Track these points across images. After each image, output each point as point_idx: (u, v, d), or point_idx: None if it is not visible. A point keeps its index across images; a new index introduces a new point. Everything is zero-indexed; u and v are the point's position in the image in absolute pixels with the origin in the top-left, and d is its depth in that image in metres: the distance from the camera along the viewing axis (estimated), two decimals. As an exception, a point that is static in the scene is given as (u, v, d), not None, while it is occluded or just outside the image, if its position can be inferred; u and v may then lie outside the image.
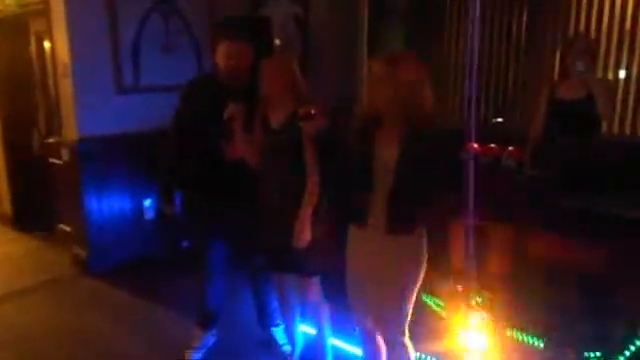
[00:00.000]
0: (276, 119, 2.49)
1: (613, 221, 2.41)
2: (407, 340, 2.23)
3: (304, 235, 2.42)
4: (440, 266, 2.58)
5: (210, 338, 3.04)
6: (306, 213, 2.41)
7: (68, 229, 4.50)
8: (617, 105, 3.47)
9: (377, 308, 2.21)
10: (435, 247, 2.22)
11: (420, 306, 2.64)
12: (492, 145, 3.01)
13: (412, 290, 2.17)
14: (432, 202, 2.14)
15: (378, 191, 2.10)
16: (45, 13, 4.03)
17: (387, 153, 2.07)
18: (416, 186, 2.05)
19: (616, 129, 3.53)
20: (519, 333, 2.66)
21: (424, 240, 2.16)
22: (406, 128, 2.05)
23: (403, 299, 2.16)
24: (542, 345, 2.60)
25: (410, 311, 2.19)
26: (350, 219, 2.26)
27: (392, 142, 2.07)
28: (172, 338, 3.16)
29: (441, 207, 2.28)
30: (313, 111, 2.27)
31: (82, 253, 4.22)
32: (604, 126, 3.18)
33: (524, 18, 3.88)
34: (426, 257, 2.17)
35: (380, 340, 2.31)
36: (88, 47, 3.95)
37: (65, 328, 3.39)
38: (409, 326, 2.22)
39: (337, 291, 2.72)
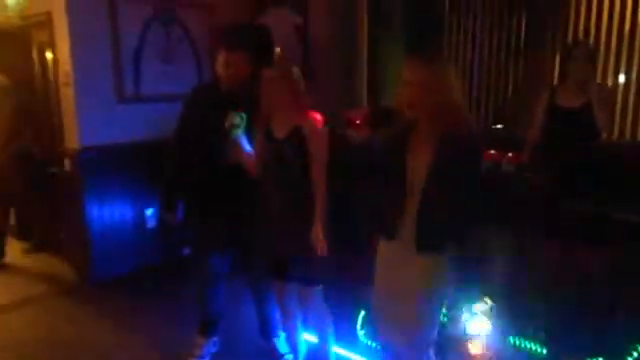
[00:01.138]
0: (279, 129, 2.50)
1: (614, 225, 2.40)
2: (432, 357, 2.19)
3: (322, 243, 2.42)
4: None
5: (212, 347, 3.03)
6: (319, 227, 2.42)
7: (70, 238, 4.50)
8: (616, 113, 3.47)
9: (401, 324, 2.11)
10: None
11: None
12: (492, 151, 3.02)
13: (432, 310, 2.09)
14: (464, 216, 2.02)
15: (410, 203, 2.02)
16: (47, 24, 4.07)
17: (419, 159, 1.99)
18: (447, 197, 1.95)
19: (616, 133, 3.54)
20: (521, 340, 2.65)
21: (447, 256, 2.06)
22: (440, 134, 1.95)
23: (423, 319, 2.08)
24: (544, 352, 2.58)
25: (436, 328, 2.13)
26: (381, 230, 2.18)
27: (425, 151, 1.99)
28: (173, 347, 3.15)
29: (474, 221, 2.18)
30: (358, 121, 2.24)
31: (84, 262, 4.21)
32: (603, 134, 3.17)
33: (523, 24, 3.90)
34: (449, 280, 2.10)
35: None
36: (90, 57, 3.98)
37: (66, 336, 3.38)
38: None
39: (339, 299, 2.73)
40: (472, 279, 2.43)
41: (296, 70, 2.52)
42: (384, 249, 2.18)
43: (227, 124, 2.54)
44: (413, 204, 2.01)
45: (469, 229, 2.13)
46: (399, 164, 2.03)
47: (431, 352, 2.19)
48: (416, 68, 1.99)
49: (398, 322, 2.12)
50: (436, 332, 2.14)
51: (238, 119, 2.53)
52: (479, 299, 2.56)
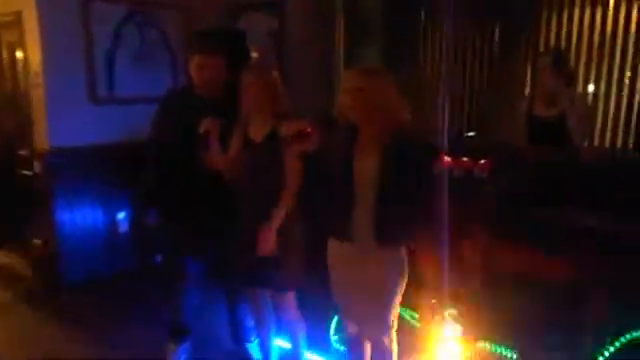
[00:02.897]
0: (256, 132, 2.48)
1: (581, 233, 2.45)
2: (393, 345, 2.35)
3: (267, 245, 2.41)
4: (414, 279, 2.60)
5: (183, 353, 2.99)
6: (274, 223, 2.41)
7: (40, 242, 4.40)
8: (588, 122, 3.53)
9: (364, 316, 2.32)
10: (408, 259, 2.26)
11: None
12: (464, 158, 3.05)
13: (396, 298, 2.27)
14: (418, 213, 2.20)
15: (360, 204, 2.15)
16: (17, 23, 3.99)
17: (366, 164, 2.12)
18: (398, 197, 2.10)
19: (586, 142, 3.61)
20: (491, 345, 2.68)
21: (404, 251, 2.24)
22: (383, 139, 2.10)
23: (389, 307, 2.26)
24: (514, 356, 2.62)
25: (395, 315, 2.31)
26: (333, 234, 2.30)
27: (370, 153, 2.12)
28: (144, 352, 3.10)
29: (430, 218, 2.33)
30: (309, 129, 2.28)
31: (54, 266, 4.12)
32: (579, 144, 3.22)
33: (496, 32, 3.96)
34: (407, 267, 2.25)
35: (366, 346, 2.43)
36: (61, 57, 3.90)
37: (36, 341, 3.33)
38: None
39: (312, 305, 2.73)
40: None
41: (275, 74, 2.52)
42: (338, 250, 2.30)
43: (202, 129, 2.53)
44: (363, 204, 2.14)
45: (422, 224, 2.28)
46: (345, 168, 2.15)
47: (394, 334, 2.36)
48: (354, 77, 2.17)
49: (367, 314, 2.29)
50: (395, 316, 2.33)
51: (213, 124, 2.51)
52: (450, 303, 2.58)
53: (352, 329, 2.42)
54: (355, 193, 2.15)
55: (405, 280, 2.26)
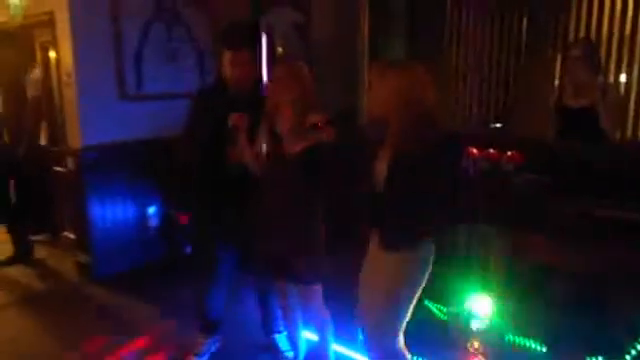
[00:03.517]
0: (285, 127, 2.48)
1: (612, 224, 2.41)
2: (398, 348, 2.21)
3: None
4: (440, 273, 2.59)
5: (213, 344, 3.04)
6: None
7: (72, 236, 4.52)
8: (619, 112, 3.45)
9: (368, 318, 2.22)
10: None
11: (422, 312, 2.66)
12: (491, 150, 3.02)
13: (400, 303, 2.14)
14: (425, 220, 2.07)
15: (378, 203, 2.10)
16: (50, 24, 4.09)
17: (381, 166, 2.06)
18: (403, 203, 2.01)
19: (618, 134, 3.53)
20: (521, 338, 2.66)
21: (418, 256, 2.12)
22: (399, 139, 2.00)
23: (390, 311, 2.15)
24: (544, 350, 2.59)
25: (401, 322, 2.17)
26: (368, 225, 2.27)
27: (386, 154, 2.05)
28: (175, 345, 3.16)
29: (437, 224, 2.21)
30: (320, 123, 2.29)
31: (86, 260, 4.24)
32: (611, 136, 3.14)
33: (524, 23, 3.90)
34: (420, 272, 2.14)
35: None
36: (92, 56, 4.00)
37: (67, 334, 3.41)
38: (410, 332, 2.22)
39: (339, 298, 2.74)
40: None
41: (305, 68, 2.51)
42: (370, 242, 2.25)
43: (230, 124, 2.56)
44: (380, 204, 2.08)
45: (432, 228, 2.13)
46: (368, 167, 2.11)
47: (398, 343, 2.21)
48: (376, 73, 2.08)
49: (366, 312, 2.23)
50: (402, 324, 2.18)
51: (240, 118, 2.54)
52: (479, 297, 2.57)
53: (361, 326, 2.36)
54: (374, 191, 2.10)
55: (413, 289, 2.14)
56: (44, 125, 4.81)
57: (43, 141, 4.84)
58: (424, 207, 2.04)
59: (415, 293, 2.14)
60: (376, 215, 2.13)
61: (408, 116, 1.97)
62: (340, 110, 3.71)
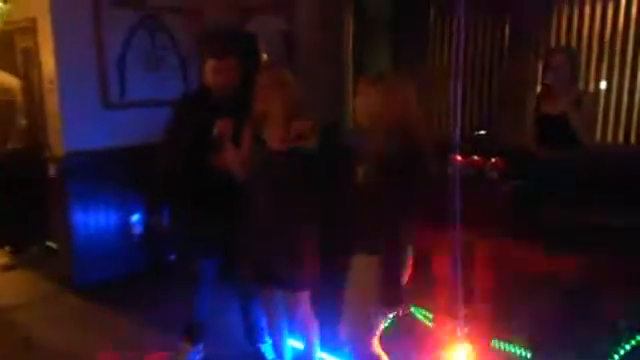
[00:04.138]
0: (270, 133, 2.49)
1: (595, 231, 2.44)
2: (374, 351, 2.26)
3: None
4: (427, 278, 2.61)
5: (197, 354, 3.02)
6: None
7: (54, 244, 4.47)
8: (593, 121, 3.49)
9: (347, 320, 2.27)
10: (422, 260, 2.24)
11: (407, 317, 2.67)
12: (475, 157, 3.05)
13: (374, 306, 2.18)
14: (396, 227, 2.11)
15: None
16: (32, 30, 4.05)
17: (364, 177, 2.13)
18: (387, 210, 2.06)
19: (598, 139, 3.58)
20: (505, 344, 2.67)
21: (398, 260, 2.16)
22: (376, 147, 2.08)
23: (362, 311, 2.20)
24: (529, 356, 2.61)
25: (377, 326, 2.22)
26: None
27: (370, 166, 2.12)
28: (157, 354, 3.12)
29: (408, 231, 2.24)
30: (304, 130, 2.33)
31: (68, 268, 4.18)
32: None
33: (506, 31, 3.94)
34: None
35: None
36: (74, 63, 3.97)
37: (49, 343, 3.36)
38: (392, 338, 2.27)
39: (325, 306, 2.74)
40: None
41: (290, 75, 2.53)
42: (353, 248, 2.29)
43: (216, 131, 2.55)
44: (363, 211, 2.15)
45: (401, 234, 2.16)
46: (350, 175, 2.16)
47: (373, 346, 2.25)
48: (365, 85, 2.18)
49: (346, 317, 2.27)
50: (376, 326, 2.23)
51: (226, 125, 2.53)
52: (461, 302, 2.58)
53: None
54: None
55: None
56: (21, 127, 4.74)
57: (14, 144, 4.76)
58: (407, 214, 2.11)
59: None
60: (360, 222, 2.15)
61: (393, 127, 2.05)
62: (326, 118, 3.72)
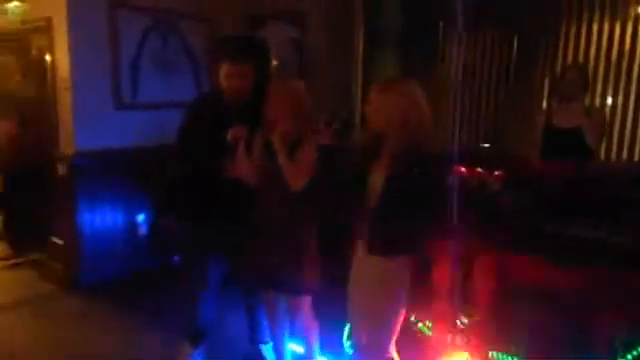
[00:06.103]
0: (281, 143, 2.49)
1: (595, 246, 2.46)
2: (391, 356, 2.28)
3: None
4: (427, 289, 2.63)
5: (199, 354, 3.03)
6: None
7: (61, 242, 4.51)
8: (604, 135, 3.53)
9: (361, 325, 2.29)
10: (422, 270, 2.28)
11: (407, 327, 2.69)
12: (479, 169, 3.07)
13: (391, 312, 2.21)
14: (416, 231, 2.16)
15: (368, 214, 2.16)
16: (47, 29, 4.11)
17: (376, 180, 2.13)
18: (398, 215, 2.08)
19: (602, 155, 3.62)
20: (503, 356, 2.69)
21: (405, 267, 2.20)
22: (396, 156, 2.08)
23: (381, 319, 2.22)
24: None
25: (392, 330, 2.23)
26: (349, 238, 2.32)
27: (384, 162, 2.12)
28: (161, 353, 3.16)
29: (426, 236, 2.30)
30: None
31: (73, 267, 4.23)
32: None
33: (514, 45, 3.98)
34: (407, 284, 2.21)
35: None
36: (88, 63, 4.03)
37: (53, 341, 3.39)
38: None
39: (326, 310, 2.77)
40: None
41: (301, 83, 2.57)
42: (353, 260, 2.32)
43: (229, 137, 2.58)
44: (366, 218, 2.16)
45: (421, 239, 2.23)
46: (362, 176, 2.19)
47: (391, 350, 2.28)
48: (372, 89, 2.18)
49: (357, 319, 2.30)
50: (394, 330, 2.24)
51: (240, 132, 2.57)
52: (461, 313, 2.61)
53: (355, 338, 2.41)
54: (366, 203, 2.16)
55: (400, 296, 2.21)
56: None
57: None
58: (417, 222, 2.13)
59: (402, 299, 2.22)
60: (369, 228, 2.16)
61: (407, 133, 2.06)
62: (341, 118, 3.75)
